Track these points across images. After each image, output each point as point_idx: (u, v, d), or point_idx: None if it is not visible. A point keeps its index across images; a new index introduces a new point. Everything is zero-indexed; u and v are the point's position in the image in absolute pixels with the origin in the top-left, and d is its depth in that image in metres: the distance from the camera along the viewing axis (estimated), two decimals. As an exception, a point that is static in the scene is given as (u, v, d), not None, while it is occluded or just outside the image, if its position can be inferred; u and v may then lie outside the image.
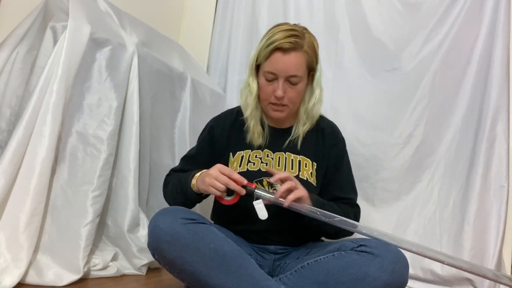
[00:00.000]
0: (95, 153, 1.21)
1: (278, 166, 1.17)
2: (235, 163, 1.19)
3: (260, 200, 0.99)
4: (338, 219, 0.98)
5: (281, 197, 0.99)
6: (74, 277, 1.10)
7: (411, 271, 1.46)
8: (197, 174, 1.09)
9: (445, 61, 1.59)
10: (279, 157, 1.19)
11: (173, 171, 1.29)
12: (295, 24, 1.17)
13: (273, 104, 1.15)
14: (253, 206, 1.00)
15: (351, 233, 1.13)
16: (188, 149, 1.65)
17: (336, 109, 1.71)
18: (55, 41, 1.17)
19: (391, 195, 1.63)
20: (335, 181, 1.20)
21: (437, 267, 1.47)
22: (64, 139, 1.17)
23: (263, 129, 1.21)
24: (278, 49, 1.09)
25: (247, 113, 1.19)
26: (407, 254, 0.92)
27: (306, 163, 1.18)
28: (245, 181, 1.00)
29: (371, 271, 0.86)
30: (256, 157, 1.18)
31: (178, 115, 1.70)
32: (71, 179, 1.17)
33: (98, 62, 1.26)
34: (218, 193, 1.01)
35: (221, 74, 2.06)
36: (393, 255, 0.89)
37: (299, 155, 1.19)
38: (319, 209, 0.99)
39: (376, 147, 1.65)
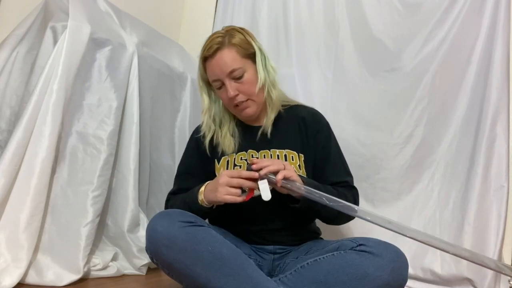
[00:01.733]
0: (95, 153, 1.21)
1: None
2: (221, 168, 1.18)
3: (265, 180, 0.98)
4: (342, 204, 0.96)
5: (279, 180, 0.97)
6: (74, 277, 1.10)
7: (411, 271, 1.46)
8: (202, 189, 1.07)
9: (445, 61, 1.59)
10: (264, 155, 1.17)
11: (172, 194, 1.24)
12: (223, 27, 1.20)
13: (236, 105, 1.15)
14: (251, 204, 1.00)
15: (351, 218, 1.12)
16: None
17: (336, 109, 1.71)
18: (55, 41, 1.17)
19: (391, 195, 1.63)
20: (327, 166, 1.19)
21: (437, 267, 1.47)
22: (64, 139, 1.17)
23: (233, 136, 1.21)
24: (205, 58, 1.15)
25: (202, 129, 1.23)
26: (406, 253, 0.92)
27: (292, 156, 1.17)
28: (256, 174, 0.98)
29: (371, 271, 0.86)
30: (241, 159, 1.18)
31: (178, 115, 1.70)
32: (71, 179, 1.17)
33: (98, 62, 1.26)
34: (239, 199, 0.99)
35: (221, 74, 2.05)
36: (392, 255, 0.89)
37: (284, 149, 1.18)
38: (323, 193, 0.96)
39: (376, 147, 1.65)
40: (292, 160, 1.17)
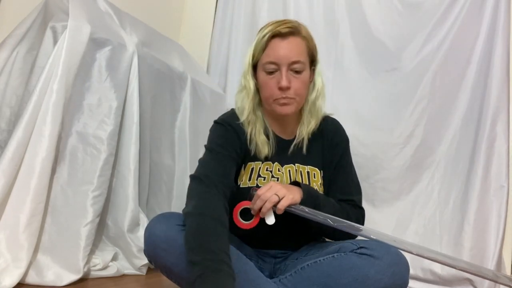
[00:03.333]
0: (95, 153, 1.21)
1: (289, 181, 1.10)
2: (245, 176, 1.08)
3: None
4: (346, 224, 0.94)
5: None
6: (74, 277, 1.10)
7: (411, 271, 1.46)
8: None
9: (445, 61, 1.59)
10: (289, 170, 1.10)
11: (201, 182, 0.96)
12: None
13: (279, 99, 1.03)
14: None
15: (352, 236, 1.03)
16: (188, 149, 1.65)
17: (336, 109, 1.71)
18: (55, 41, 1.17)
19: (391, 195, 1.63)
20: (337, 182, 1.13)
21: (437, 267, 1.47)
22: (64, 139, 1.17)
23: (268, 137, 1.09)
24: (275, 35, 1.02)
25: (243, 117, 1.07)
26: (406, 254, 0.92)
27: (314, 173, 1.12)
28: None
29: (371, 274, 0.85)
30: (266, 170, 1.09)
31: (178, 115, 1.70)
32: (71, 179, 1.17)
33: (98, 62, 1.26)
34: (246, 227, 0.98)
35: (221, 74, 2.06)
36: (393, 258, 0.88)
37: (306, 165, 1.11)
38: (328, 215, 0.95)
39: (376, 147, 1.65)
40: (314, 177, 1.11)
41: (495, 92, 1.48)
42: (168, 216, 0.94)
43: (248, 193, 1.02)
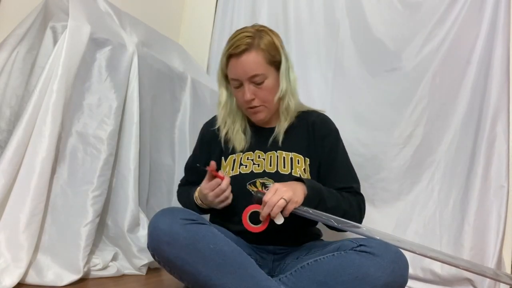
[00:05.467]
0: (95, 153, 1.21)
1: (270, 165, 1.16)
2: (228, 167, 1.19)
3: None
4: (350, 225, 0.98)
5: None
6: (74, 277, 1.10)
7: (411, 271, 1.46)
8: (196, 194, 1.16)
9: (445, 61, 1.59)
10: (271, 156, 1.18)
11: (180, 185, 1.36)
12: (253, 25, 1.18)
13: (249, 108, 1.15)
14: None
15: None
16: (188, 149, 1.66)
17: (336, 109, 1.71)
18: (55, 41, 1.17)
19: (391, 195, 1.63)
20: (333, 172, 1.18)
21: (437, 267, 1.47)
22: (64, 139, 1.17)
23: (245, 133, 1.22)
24: (231, 55, 1.12)
25: (218, 122, 1.22)
26: (407, 254, 0.92)
27: (298, 160, 1.17)
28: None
29: (371, 271, 0.86)
30: (248, 159, 1.18)
31: (178, 115, 1.70)
32: (71, 179, 1.17)
33: (98, 62, 1.26)
34: (258, 230, 1.02)
35: (221, 74, 2.05)
36: (393, 255, 0.89)
37: (291, 152, 1.18)
38: (331, 216, 0.99)
39: (376, 147, 1.65)
40: (298, 163, 1.17)
41: (495, 92, 1.48)
42: (171, 210, 0.97)
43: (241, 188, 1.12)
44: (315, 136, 1.21)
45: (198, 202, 1.16)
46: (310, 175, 1.17)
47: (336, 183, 1.16)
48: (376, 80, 1.69)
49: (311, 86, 1.78)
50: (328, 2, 1.80)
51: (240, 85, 1.14)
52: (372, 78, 1.70)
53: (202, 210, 1.19)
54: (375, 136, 1.66)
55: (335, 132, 1.25)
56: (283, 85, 1.15)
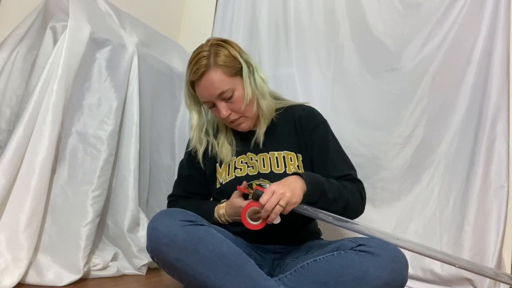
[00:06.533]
0: (95, 153, 1.22)
1: (264, 167, 1.17)
2: (224, 172, 1.20)
3: None
4: (350, 223, 0.97)
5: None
6: (74, 277, 1.10)
7: (411, 271, 1.46)
8: (221, 211, 1.14)
9: (445, 61, 1.59)
10: (263, 158, 1.18)
11: (176, 196, 1.31)
12: (208, 40, 1.17)
13: (231, 122, 1.16)
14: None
15: (357, 215, 1.13)
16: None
17: (336, 109, 1.71)
18: (55, 41, 1.17)
19: (391, 195, 1.63)
20: (327, 162, 1.17)
21: (437, 267, 1.47)
22: (64, 139, 1.17)
23: (231, 144, 1.22)
24: (193, 82, 1.14)
25: (192, 144, 1.23)
26: (406, 254, 0.92)
27: (291, 157, 1.17)
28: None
29: (371, 271, 0.86)
30: (242, 162, 1.19)
31: (178, 115, 1.70)
32: (71, 179, 1.17)
33: (98, 62, 1.26)
34: (255, 228, 1.02)
35: (221, 74, 2.05)
36: (392, 255, 0.89)
37: (282, 150, 1.18)
38: (330, 213, 0.99)
39: (376, 147, 1.65)
40: (291, 161, 1.17)
41: (495, 92, 1.48)
42: (171, 212, 0.96)
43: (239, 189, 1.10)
44: (303, 130, 1.20)
45: (226, 219, 1.13)
46: (304, 171, 1.16)
47: (333, 172, 1.14)
48: (376, 80, 1.68)
49: (311, 86, 1.78)
50: (328, 2, 1.80)
51: (214, 105, 1.14)
52: (372, 78, 1.69)
53: (224, 225, 1.16)
54: (375, 136, 1.66)
55: (323, 123, 1.24)
56: (247, 91, 1.13)
